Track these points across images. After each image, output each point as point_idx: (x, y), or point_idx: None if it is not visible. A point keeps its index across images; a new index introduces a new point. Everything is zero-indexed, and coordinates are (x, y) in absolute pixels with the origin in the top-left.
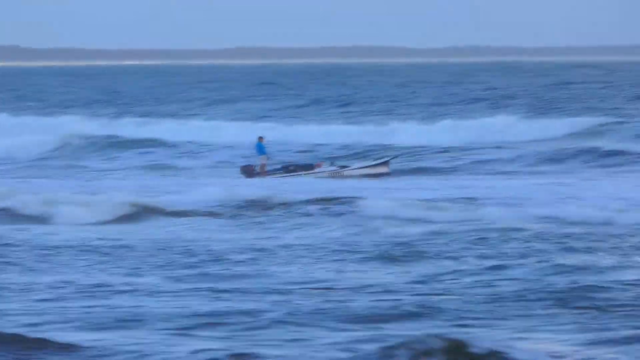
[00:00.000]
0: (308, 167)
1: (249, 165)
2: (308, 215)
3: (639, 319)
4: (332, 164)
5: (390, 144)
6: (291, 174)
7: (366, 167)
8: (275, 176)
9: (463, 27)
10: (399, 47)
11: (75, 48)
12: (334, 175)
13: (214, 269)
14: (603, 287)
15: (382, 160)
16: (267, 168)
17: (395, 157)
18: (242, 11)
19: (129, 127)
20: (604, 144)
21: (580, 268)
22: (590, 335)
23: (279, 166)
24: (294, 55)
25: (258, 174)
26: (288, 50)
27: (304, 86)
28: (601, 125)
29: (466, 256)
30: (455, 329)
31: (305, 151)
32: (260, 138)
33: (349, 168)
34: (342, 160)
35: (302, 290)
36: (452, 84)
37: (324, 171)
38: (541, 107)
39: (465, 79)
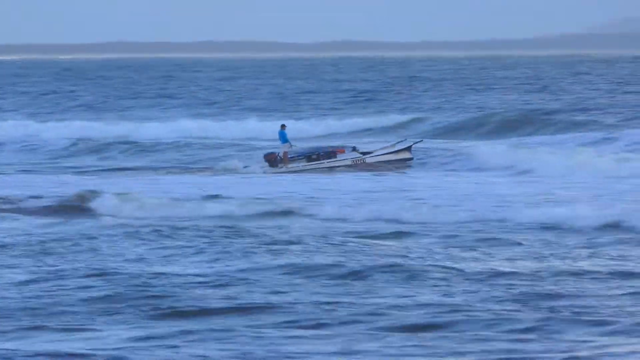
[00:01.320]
0: (331, 154)
1: (272, 153)
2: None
3: None
4: (353, 150)
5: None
6: (314, 162)
7: (389, 152)
8: (298, 165)
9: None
10: (284, 43)
11: None
12: (356, 163)
13: None
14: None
15: (405, 146)
16: (290, 155)
17: (420, 141)
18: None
19: None
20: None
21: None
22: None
23: (301, 155)
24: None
25: (281, 162)
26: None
27: (127, 81)
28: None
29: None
30: None
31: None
32: (283, 126)
33: (372, 154)
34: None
35: None
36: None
37: (347, 159)
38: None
39: (313, 75)
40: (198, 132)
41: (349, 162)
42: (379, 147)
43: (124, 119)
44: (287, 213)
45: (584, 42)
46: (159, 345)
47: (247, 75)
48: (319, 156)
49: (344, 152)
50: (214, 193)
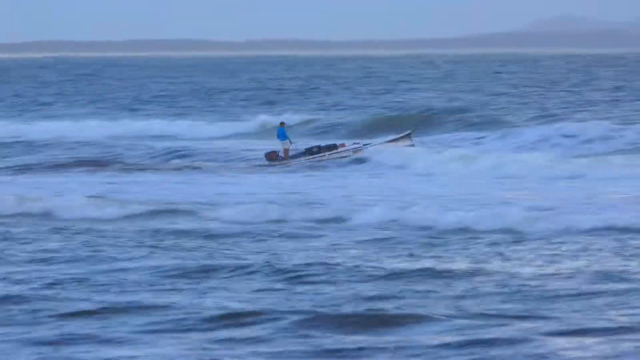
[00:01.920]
0: (332, 147)
1: (273, 151)
2: None
3: None
4: (354, 143)
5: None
6: (315, 155)
7: (388, 141)
8: (299, 160)
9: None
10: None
11: None
12: (357, 153)
13: None
14: None
15: (404, 134)
16: (290, 153)
17: (414, 130)
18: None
19: None
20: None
21: None
22: None
23: (302, 149)
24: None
25: (282, 159)
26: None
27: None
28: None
29: None
30: None
31: None
32: (282, 123)
33: (372, 144)
34: None
35: None
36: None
37: (348, 149)
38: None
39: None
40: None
41: (350, 153)
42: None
43: (34, 118)
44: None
45: (512, 41)
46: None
47: (170, 74)
48: (320, 149)
49: (344, 146)
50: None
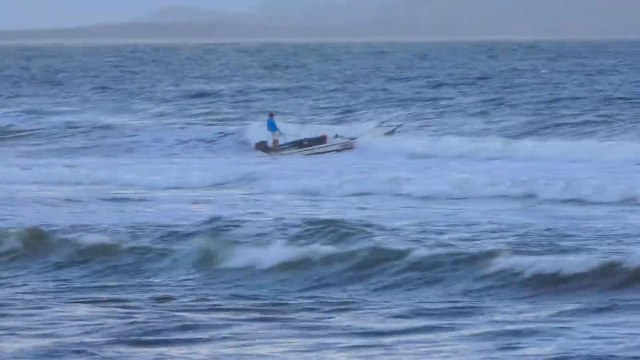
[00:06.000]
0: (321, 140)
1: (263, 142)
2: None
3: None
4: (336, 137)
5: None
6: (304, 149)
7: (375, 136)
8: (289, 151)
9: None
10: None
11: None
12: (346, 147)
13: None
14: None
15: (390, 129)
16: (280, 143)
17: (401, 125)
18: None
19: None
20: None
21: None
22: None
23: (291, 142)
24: None
25: (271, 150)
26: None
27: None
28: None
29: None
30: None
31: None
32: (271, 115)
33: (358, 137)
34: None
35: None
36: None
37: (336, 144)
38: None
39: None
40: None
41: (338, 147)
42: (362, 131)
43: None
44: None
45: (131, 32)
46: None
47: None
48: (310, 142)
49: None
50: None
